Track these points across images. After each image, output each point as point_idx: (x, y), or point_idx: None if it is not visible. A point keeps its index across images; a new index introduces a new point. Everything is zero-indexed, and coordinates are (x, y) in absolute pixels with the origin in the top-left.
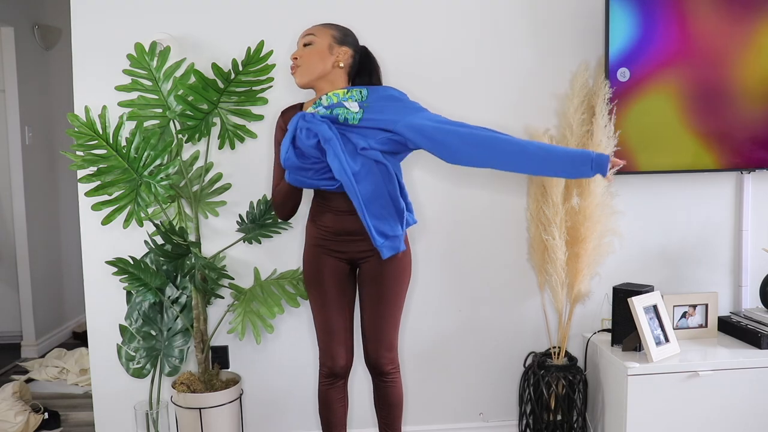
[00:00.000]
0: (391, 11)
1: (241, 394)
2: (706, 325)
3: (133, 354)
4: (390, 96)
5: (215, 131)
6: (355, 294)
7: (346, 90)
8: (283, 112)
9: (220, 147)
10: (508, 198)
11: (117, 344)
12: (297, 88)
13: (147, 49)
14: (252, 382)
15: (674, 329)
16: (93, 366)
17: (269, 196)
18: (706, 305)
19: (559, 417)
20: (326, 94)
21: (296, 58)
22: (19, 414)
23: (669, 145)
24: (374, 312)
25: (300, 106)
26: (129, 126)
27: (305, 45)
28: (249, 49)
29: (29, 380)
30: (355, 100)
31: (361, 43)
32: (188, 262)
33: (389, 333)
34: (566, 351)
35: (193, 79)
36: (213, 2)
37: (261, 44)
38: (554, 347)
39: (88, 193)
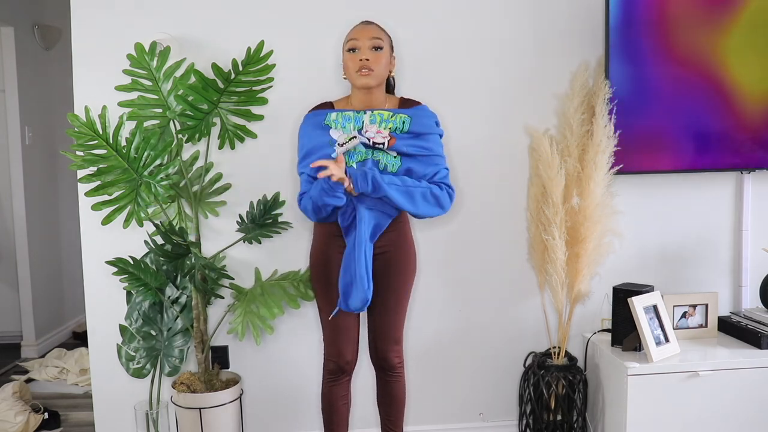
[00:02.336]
0: (389, 11)
1: (241, 394)
2: (706, 325)
3: (133, 354)
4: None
5: (215, 131)
6: None
7: (392, 113)
8: (314, 109)
9: (220, 147)
10: (508, 198)
11: (117, 344)
12: (297, 89)
13: (147, 49)
14: (252, 382)
15: (674, 329)
16: (93, 366)
17: (269, 196)
18: (706, 305)
19: (559, 417)
20: (373, 112)
21: (368, 60)
22: (19, 414)
23: (668, 145)
24: (383, 307)
25: (330, 105)
26: (129, 126)
27: (375, 48)
28: (249, 49)
29: (29, 380)
30: (393, 128)
31: None
32: (188, 262)
33: (397, 327)
34: (566, 351)
35: (193, 79)
36: (213, 2)
37: (261, 44)
38: (554, 347)
39: (88, 193)
